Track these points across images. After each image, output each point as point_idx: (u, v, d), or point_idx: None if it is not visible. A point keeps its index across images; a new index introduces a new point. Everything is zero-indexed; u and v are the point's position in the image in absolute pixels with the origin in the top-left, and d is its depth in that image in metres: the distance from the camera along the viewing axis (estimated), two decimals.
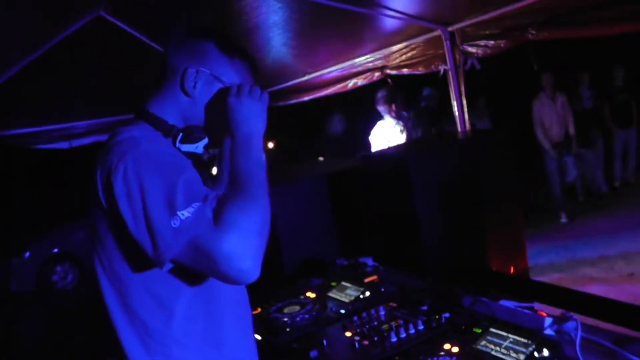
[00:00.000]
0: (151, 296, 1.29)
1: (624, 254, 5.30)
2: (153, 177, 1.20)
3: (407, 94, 5.72)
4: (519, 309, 1.82)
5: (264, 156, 1.35)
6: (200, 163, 1.46)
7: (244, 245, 1.16)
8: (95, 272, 1.33)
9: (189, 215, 1.16)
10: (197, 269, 1.20)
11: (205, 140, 1.42)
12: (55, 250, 8.02)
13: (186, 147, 1.39)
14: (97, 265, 1.33)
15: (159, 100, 1.42)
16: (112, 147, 1.27)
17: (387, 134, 5.04)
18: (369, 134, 5.25)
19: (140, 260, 1.23)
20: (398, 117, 5.11)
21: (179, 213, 1.16)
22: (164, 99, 1.42)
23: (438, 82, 4.91)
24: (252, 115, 1.37)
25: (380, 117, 5.18)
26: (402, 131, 4.98)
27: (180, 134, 1.38)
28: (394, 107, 5.04)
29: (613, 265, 5.10)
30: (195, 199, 1.19)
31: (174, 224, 1.15)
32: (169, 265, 1.19)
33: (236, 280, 1.18)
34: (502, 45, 3.66)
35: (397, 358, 1.54)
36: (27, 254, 7.82)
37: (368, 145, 5.23)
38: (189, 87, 1.39)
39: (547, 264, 5.44)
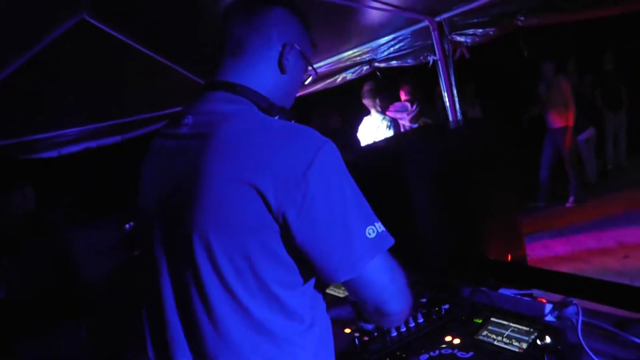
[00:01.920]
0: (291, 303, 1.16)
1: (618, 236, 5.32)
2: (349, 176, 1.13)
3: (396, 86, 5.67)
4: (519, 297, 1.80)
5: None
6: None
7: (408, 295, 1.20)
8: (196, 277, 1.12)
9: (383, 230, 1.13)
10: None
11: None
12: None
13: None
14: (207, 272, 1.11)
15: (251, 74, 1.26)
16: (278, 140, 1.09)
17: (373, 129, 4.99)
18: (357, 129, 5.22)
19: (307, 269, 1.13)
20: (383, 111, 5.05)
21: (376, 224, 1.11)
22: (257, 72, 1.26)
23: (417, 73, 4.89)
24: None
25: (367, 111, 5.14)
26: (389, 127, 4.92)
27: (277, 116, 1.25)
28: (378, 101, 4.99)
29: (608, 248, 5.12)
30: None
31: (369, 234, 1.09)
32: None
33: (385, 313, 1.16)
34: (491, 33, 3.64)
35: (398, 353, 1.52)
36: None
37: (357, 140, 5.18)
38: (286, 63, 1.27)
39: (542, 248, 5.46)
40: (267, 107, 1.24)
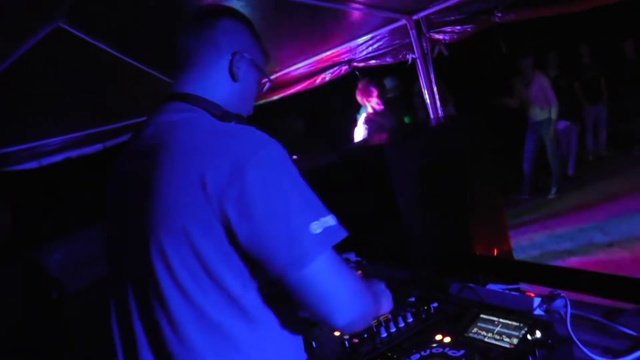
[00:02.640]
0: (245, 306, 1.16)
1: (601, 225, 5.38)
2: (294, 175, 1.12)
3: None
4: (507, 292, 1.81)
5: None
6: None
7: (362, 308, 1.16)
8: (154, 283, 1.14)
9: (332, 224, 1.11)
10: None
11: None
12: None
13: None
14: (166, 281, 1.12)
15: (203, 84, 1.30)
16: (221, 140, 1.12)
17: (360, 127, 4.99)
18: (331, 129, 5.22)
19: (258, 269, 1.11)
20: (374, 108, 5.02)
21: (322, 218, 1.09)
22: (209, 82, 1.31)
23: (397, 70, 4.90)
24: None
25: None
26: (364, 128, 4.92)
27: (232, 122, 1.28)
28: (365, 100, 4.97)
29: (591, 238, 5.17)
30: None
31: (314, 230, 1.07)
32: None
33: (330, 325, 1.11)
34: (469, 30, 3.65)
35: (389, 354, 1.51)
36: None
37: (333, 140, 5.19)
38: (237, 71, 1.32)
39: (527, 241, 5.50)
40: (221, 114, 1.28)
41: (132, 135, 1.35)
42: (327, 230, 1.09)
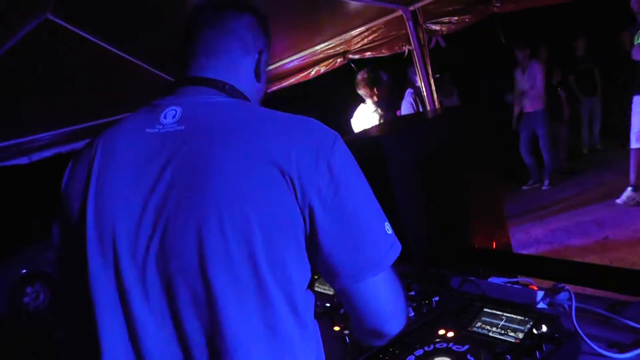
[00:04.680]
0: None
1: (596, 218, 5.37)
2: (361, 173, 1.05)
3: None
4: (509, 285, 1.77)
5: None
6: None
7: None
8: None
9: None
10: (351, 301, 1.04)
11: None
12: (24, 271, 7.75)
13: None
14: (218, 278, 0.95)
15: (231, 76, 1.18)
16: (295, 124, 1.04)
17: (366, 119, 4.76)
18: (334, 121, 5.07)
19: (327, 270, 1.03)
20: (380, 101, 4.76)
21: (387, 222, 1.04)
22: (242, 77, 1.20)
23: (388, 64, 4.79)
24: None
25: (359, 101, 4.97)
26: (381, 117, 4.71)
27: None
28: (376, 90, 4.68)
29: (587, 231, 5.16)
30: None
31: (388, 230, 1.03)
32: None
33: (382, 334, 1.08)
34: (467, 20, 3.62)
35: (391, 349, 1.46)
36: None
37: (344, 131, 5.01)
38: (261, 72, 1.23)
39: (522, 234, 5.49)
40: None
41: (134, 119, 1.17)
42: (394, 234, 1.04)
